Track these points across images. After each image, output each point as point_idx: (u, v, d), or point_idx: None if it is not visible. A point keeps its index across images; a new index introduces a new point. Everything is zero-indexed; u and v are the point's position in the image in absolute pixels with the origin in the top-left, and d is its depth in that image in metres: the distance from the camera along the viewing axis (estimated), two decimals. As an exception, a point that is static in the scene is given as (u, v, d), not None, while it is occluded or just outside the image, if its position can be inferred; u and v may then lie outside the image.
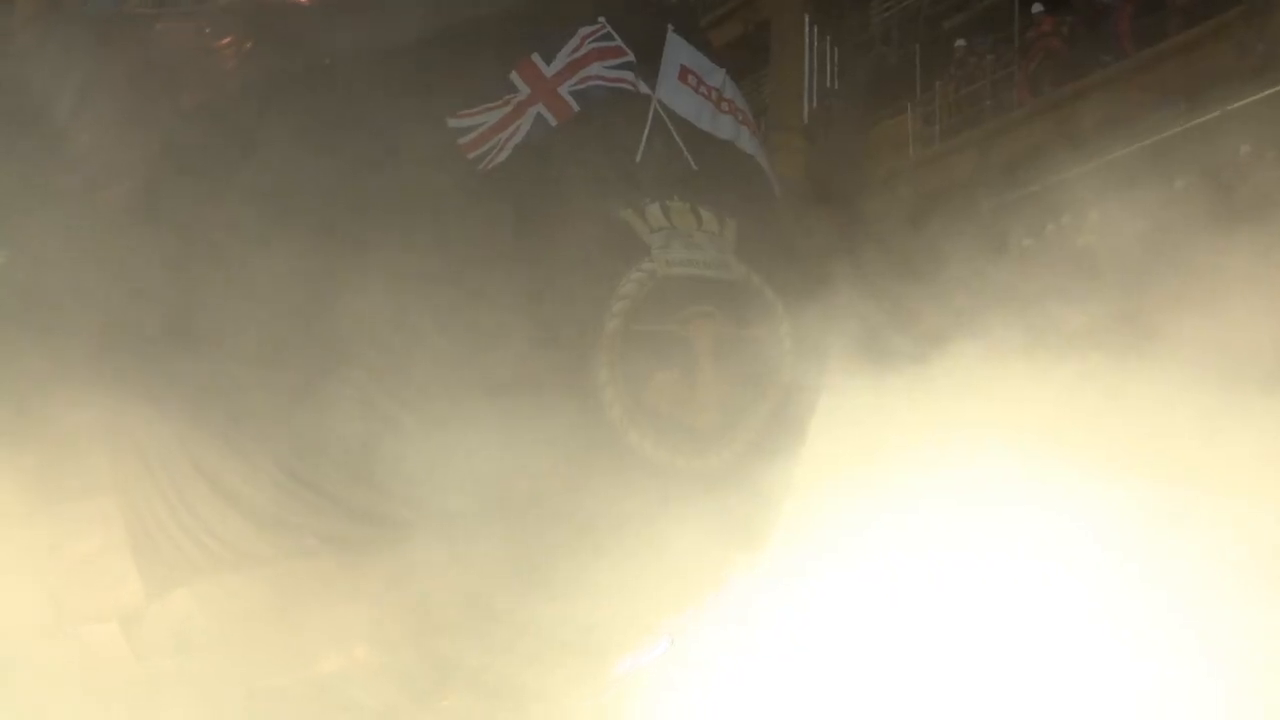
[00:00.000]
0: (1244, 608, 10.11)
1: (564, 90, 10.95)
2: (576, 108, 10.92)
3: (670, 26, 11.70)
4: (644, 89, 11.14)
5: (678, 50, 11.53)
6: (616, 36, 11.23)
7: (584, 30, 11.16)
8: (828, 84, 17.00)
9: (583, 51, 11.12)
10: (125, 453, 10.76)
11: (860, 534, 11.69)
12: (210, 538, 10.64)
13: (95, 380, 10.84)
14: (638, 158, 10.98)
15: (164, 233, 10.75)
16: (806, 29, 16.80)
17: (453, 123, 10.62)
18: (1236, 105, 13.67)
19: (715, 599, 11.61)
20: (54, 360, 11.03)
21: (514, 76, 10.84)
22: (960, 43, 16.15)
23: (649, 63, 11.25)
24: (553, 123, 10.81)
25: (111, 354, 10.86)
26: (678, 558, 10.83)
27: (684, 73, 11.48)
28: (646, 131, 11.04)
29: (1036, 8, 15.62)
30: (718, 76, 11.74)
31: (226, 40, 12.12)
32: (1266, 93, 13.10)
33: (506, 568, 10.55)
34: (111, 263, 11.05)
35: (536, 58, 10.94)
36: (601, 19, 11.26)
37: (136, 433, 10.77)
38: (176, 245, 10.68)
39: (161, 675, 10.88)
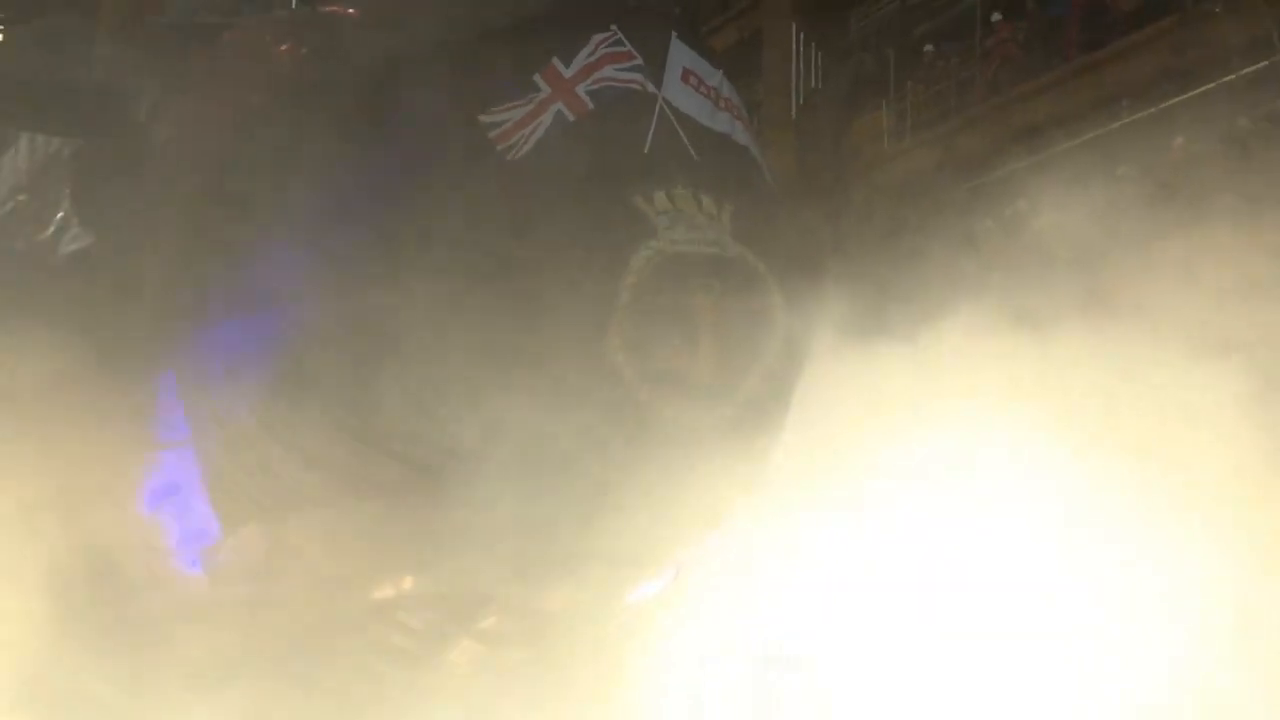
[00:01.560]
0: (1200, 561, 10.05)
1: (580, 90, 10.88)
2: (591, 105, 10.86)
3: (674, 33, 11.58)
4: (651, 89, 11.08)
5: (680, 54, 11.48)
6: (626, 42, 11.14)
7: (598, 37, 11.08)
8: (813, 85, 17.08)
9: (597, 56, 11.06)
10: (197, 406, 10.94)
11: (844, 489, 11.84)
12: (272, 481, 10.72)
13: (169, 344, 11.10)
14: (645, 149, 10.91)
15: (233, 218, 10.80)
16: (794, 36, 16.87)
17: (484, 118, 10.60)
18: (1170, 103, 13.74)
19: (716, 536, 11.71)
20: (135, 328, 11.23)
21: (537, 78, 10.76)
22: (929, 48, 16.24)
23: (655, 65, 11.17)
24: (571, 118, 10.76)
25: (182, 321, 11.12)
26: (683, 499, 10.80)
27: (686, 74, 11.42)
28: (653, 126, 10.99)
29: (995, 17, 15.66)
30: (716, 78, 11.66)
31: (285, 47, 12.11)
32: (1196, 91, 13.20)
33: (534, 508, 10.45)
34: (184, 244, 11.27)
35: (556, 61, 10.86)
36: (613, 27, 11.18)
37: (205, 389, 10.98)
38: (244, 230, 10.72)
39: (232, 600, 10.97)
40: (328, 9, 14.44)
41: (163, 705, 10.63)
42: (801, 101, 16.84)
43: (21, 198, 14.46)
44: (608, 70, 11.09)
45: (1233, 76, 13.42)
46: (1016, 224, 13.56)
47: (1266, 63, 13.26)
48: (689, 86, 11.42)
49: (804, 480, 11.96)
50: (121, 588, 11.09)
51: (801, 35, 16.92)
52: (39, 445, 10.66)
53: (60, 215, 12.88)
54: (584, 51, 11.07)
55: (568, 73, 10.95)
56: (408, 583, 11.04)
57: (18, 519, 10.71)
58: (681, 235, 10.87)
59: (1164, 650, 9.93)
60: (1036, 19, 15.69)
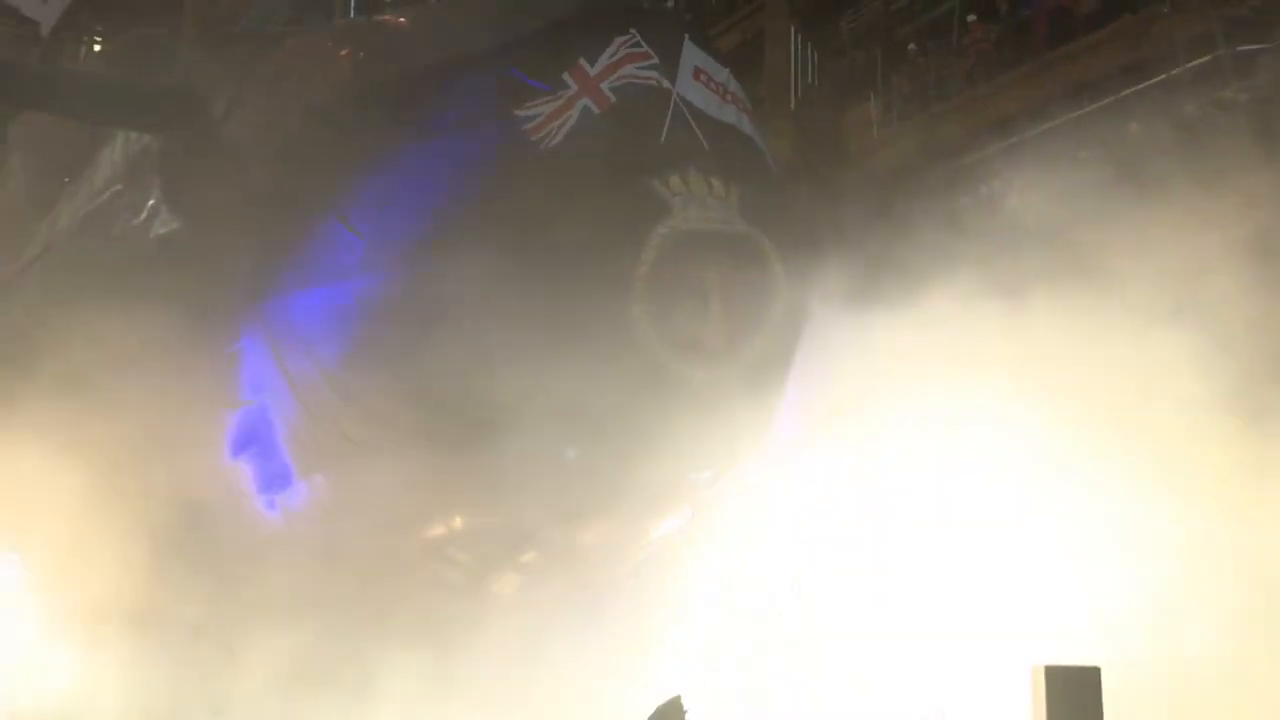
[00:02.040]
0: (1150, 493, 10.03)
1: (604, 86, 10.89)
2: (614, 100, 10.87)
3: (686, 36, 11.61)
4: (666, 85, 11.09)
5: (692, 55, 11.46)
6: (644, 44, 11.14)
7: (619, 39, 11.08)
8: (809, 80, 16.91)
9: (618, 56, 11.05)
10: (274, 369, 10.96)
11: (841, 436, 11.85)
12: (340, 434, 10.83)
13: (249, 314, 11.12)
14: (662, 139, 10.93)
15: (302, 204, 10.86)
16: (792, 38, 16.71)
17: (519, 113, 10.63)
18: (1125, 93, 13.64)
19: (727, 479, 11.78)
20: (217, 301, 11.27)
21: (566, 76, 10.77)
22: (912, 47, 16.10)
23: (670, 64, 11.18)
24: (596, 111, 10.78)
25: (257, 294, 11.16)
26: (697, 446, 10.92)
27: (697, 72, 11.41)
28: (668, 118, 11.00)
29: (971, 19, 15.52)
30: (723, 75, 11.67)
31: (344, 52, 12.10)
32: (1148, 83, 13.09)
33: (570, 457, 10.68)
34: (260, 227, 11.29)
35: (583, 61, 10.86)
36: (633, 30, 11.19)
37: (281, 353, 11.00)
38: (313, 215, 10.79)
39: (304, 539, 11.06)
40: (382, 18, 14.52)
41: (243, 629, 10.78)
42: (799, 95, 16.71)
43: (118, 188, 14.50)
44: (628, 69, 11.10)
45: (1180, 69, 13.30)
46: (991, 202, 13.51)
47: (1209, 57, 13.13)
48: (700, 83, 11.43)
49: (805, 429, 11.97)
50: (208, 526, 11.26)
51: (799, 37, 16.80)
52: (138, 403, 10.76)
53: (151, 203, 12.92)
54: (607, 52, 11.06)
55: (593, 71, 10.95)
56: (459, 522, 11.16)
57: (121, 466, 10.83)
58: (695, 214, 10.89)
59: (1116, 568, 9.96)
60: (1007, 20, 15.56)
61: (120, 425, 10.72)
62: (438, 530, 11.15)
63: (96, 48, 18.30)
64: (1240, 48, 12.90)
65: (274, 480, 11.25)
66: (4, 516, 11.14)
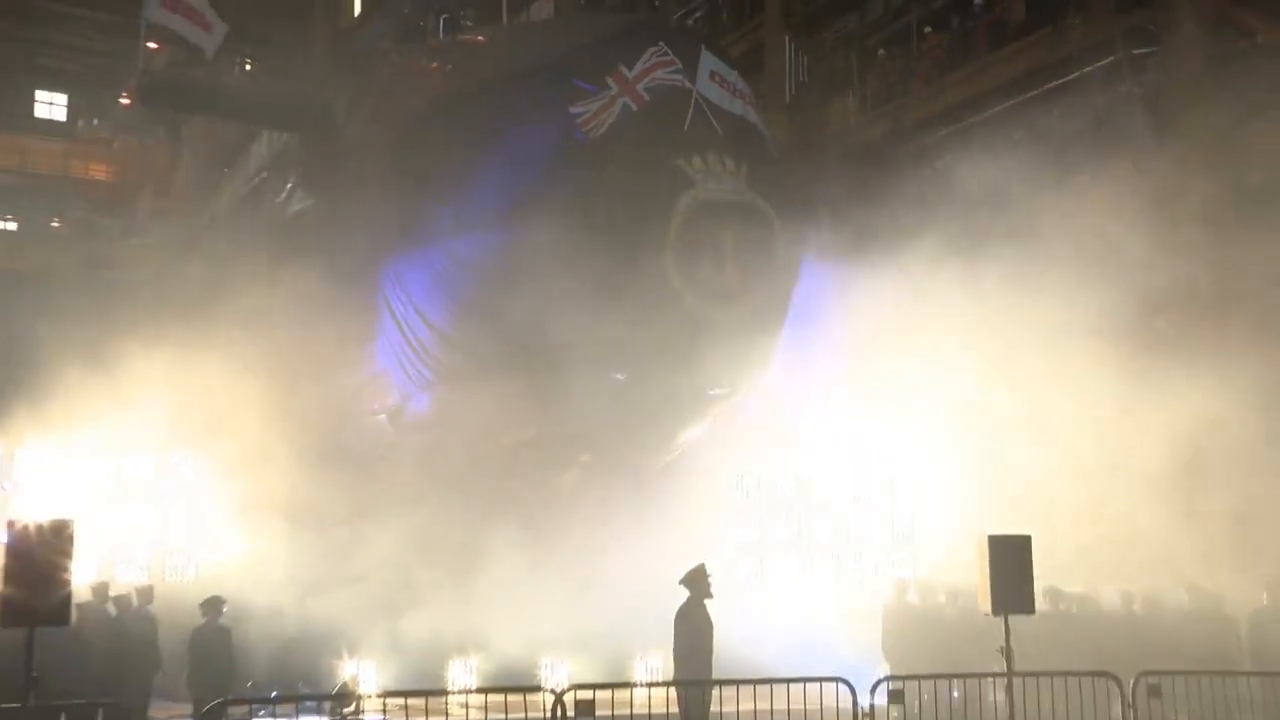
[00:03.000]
0: (1073, 402, 10.12)
1: (640, 88, 10.86)
2: (647, 98, 10.83)
3: (703, 46, 11.57)
4: (688, 85, 11.02)
5: (708, 61, 11.37)
6: (670, 53, 11.11)
7: (651, 50, 11.04)
8: (800, 80, 16.67)
9: (650, 63, 10.98)
10: (382, 312, 11.09)
11: (828, 361, 11.79)
12: (435, 363, 10.94)
13: (367, 270, 11.16)
14: (685, 128, 10.86)
15: (405, 197, 10.89)
16: (786, 46, 16.46)
17: (573, 110, 10.61)
18: (1048, 87, 13.35)
19: (739, 397, 11.77)
20: (343, 261, 11.29)
21: (609, 79, 10.75)
22: (881, 53, 15.79)
23: (691, 69, 11.11)
24: (633, 108, 10.74)
25: (373, 255, 11.18)
26: (718, 371, 11.00)
27: (712, 75, 11.32)
28: (691, 111, 10.93)
29: (927, 30, 15.19)
30: (733, 76, 11.59)
31: (436, 65, 12.19)
32: (1065, 79, 12.81)
33: (618, 379, 10.71)
34: (373, 205, 11.28)
35: (622, 68, 10.83)
36: (661, 43, 11.16)
37: (394, 301, 11.06)
38: (414, 194, 10.82)
39: (413, 445, 11.22)
40: (464, 38, 14.42)
41: (365, 514, 10.82)
42: (793, 92, 16.53)
43: (264, 174, 14.68)
44: (658, 73, 11.02)
45: (1089, 69, 13.06)
46: (944, 175, 13.22)
47: (1111, 59, 12.91)
48: (714, 83, 11.33)
49: (800, 356, 11.89)
50: (346, 434, 11.34)
51: (792, 46, 16.62)
52: (296, 335, 10.79)
53: (290, 185, 12.97)
54: (641, 60, 10.98)
55: (630, 75, 10.90)
56: (532, 432, 11.17)
57: (281, 384, 10.94)
58: (712, 186, 10.87)
59: (1048, 451, 10.09)
60: (956, 31, 15.26)
61: (282, 354, 10.77)
62: (517, 437, 11.18)
63: (248, 67, 18.43)
64: (1135, 51, 12.62)
65: (392, 398, 11.35)
66: (196, 425, 11.24)
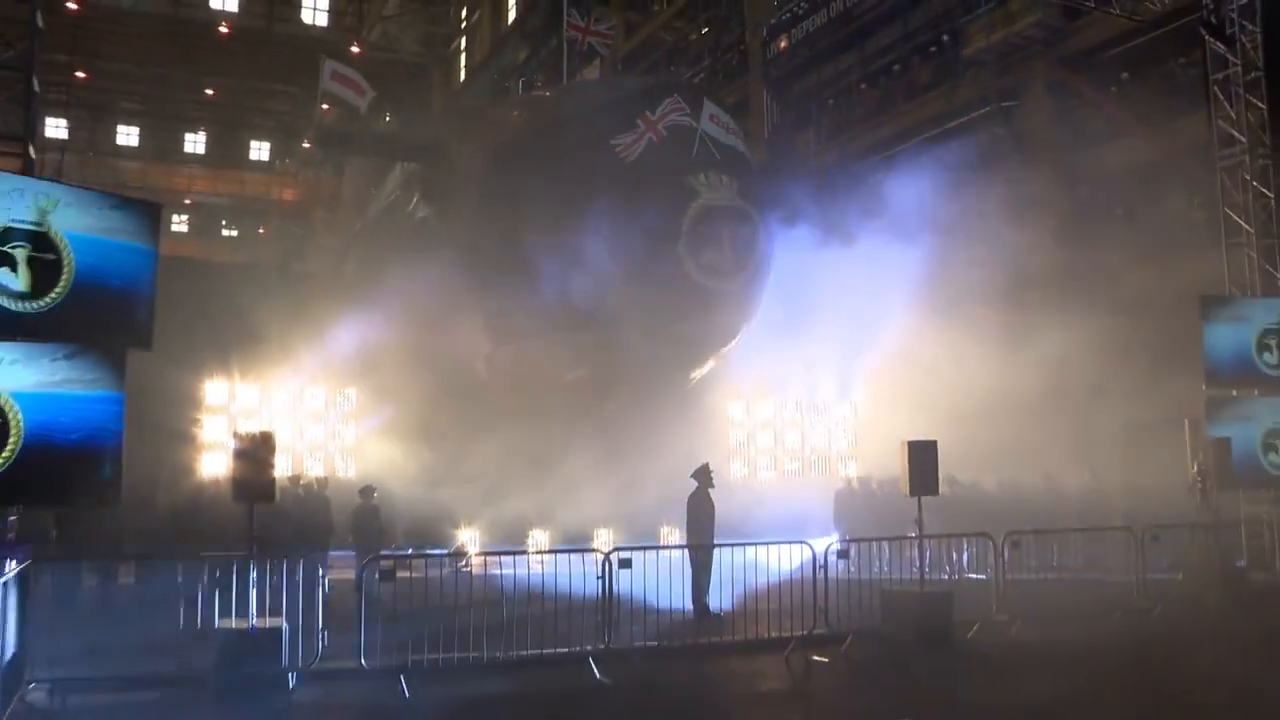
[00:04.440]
0: (976, 348, 10.07)
1: (660, 126, 10.60)
2: (666, 134, 10.56)
3: (705, 97, 11.29)
4: (694, 124, 10.74)
5: (709, 107, 11.09)
6: (682, 101, 10.85)
7: (668, 100, 10.79)
8: (775, 120, 16.28)
9: (668, 109, 10.73)
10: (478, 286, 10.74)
11: (798, 321, 11.35)
12: (515, 321, 10.66)
13: (463, 261, 10.71)
14: (693, 155, 10.59)
15: (494, 206, 10.50)
16: (765, 97, 16.06)
17: (613, 142, 10.36)
18: (950, 125, 13.28)
19: (732, 347, 11.37)
20: (454, 262, 10.82)
21: (638, 120, 10.51)
22: (831, 101, 15.38)
23: (696, 112, 10.82)
24: (655, 141, 10.48)
25: (471, 255, 10.66)
26: (716, 326, 10.80)
27: (712, 117, 11.04)
28: (696, 143, 10.66)
29: (863, 86, 14.85)
30: (726, 117, 11.31)
31: (516, 114, 11.86)
32: (958, 122, 12.71)
33: (645, 333, 10.14)
34: (470, 217, 11.06)
35: (647, 112, 10.58)
36: (675, 95, 10.91)
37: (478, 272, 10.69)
38: (500, 213, 10.39)
39: (498, 384, 10.99)
40: (537, 93, 14.12)
41: (469, 434, 10.55)
42: (769, 129, 16.21)
43: (398, 193, 14.51)
44: (673, 116, 10.74)
45: (974, 115, 13.19)
46: (879, 189, 12.81)
47: (988, 108, 13.09)
48: (713, 123, 11.04)
49: (774, 317, 11.58)
50: (455, 373, 11.15)
51: (769, 96, 16.38)
52: (422, 306, 10.52)
53: (415, 199, 12.80)
54: (661, 107, 10.73)
55: (654, 117, 10.61)
56: (583, 372, 10.91)
57: (414, 340, 10.62)
58: (713, 195, 10.58)
59: (948, 381, 10.06)
60: (883, 87, 14.91)
61: (413, 320, 10.62)
62: (572, 375, 10.94)
63: (388, 119, 18.43)
64: (1004, 104, 13.13)
65: (480, 349, 11.04)
66: (349, 366, 11.27)
